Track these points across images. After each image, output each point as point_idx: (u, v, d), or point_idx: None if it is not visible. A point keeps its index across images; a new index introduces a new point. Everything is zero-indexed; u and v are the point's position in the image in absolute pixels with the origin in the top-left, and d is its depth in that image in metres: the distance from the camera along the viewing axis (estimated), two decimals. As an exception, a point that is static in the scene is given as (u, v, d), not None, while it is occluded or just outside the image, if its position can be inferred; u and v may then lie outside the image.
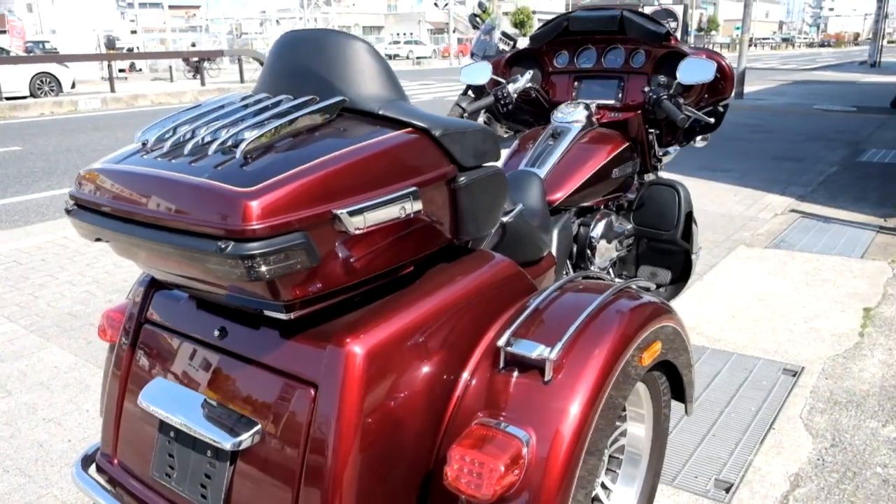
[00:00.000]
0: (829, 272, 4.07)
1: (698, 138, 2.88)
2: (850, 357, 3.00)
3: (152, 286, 1.71)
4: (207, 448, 1.49)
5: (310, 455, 1.35)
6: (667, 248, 2.80)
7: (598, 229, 2.53)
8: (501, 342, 1.44)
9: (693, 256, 2.82)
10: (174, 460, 1.55)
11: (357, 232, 1.30)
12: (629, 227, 2.71)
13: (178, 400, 1.54)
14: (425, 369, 1.44)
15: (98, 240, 1.44)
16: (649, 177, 2.92)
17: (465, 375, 1.48)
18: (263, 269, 1.20)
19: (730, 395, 2.70)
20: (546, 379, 1.39)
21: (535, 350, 1.40)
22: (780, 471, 2.24)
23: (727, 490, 2.16)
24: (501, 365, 1.44)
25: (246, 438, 1.41)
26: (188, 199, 1.24)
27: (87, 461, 1.82)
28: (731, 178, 6.78)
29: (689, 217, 2.76)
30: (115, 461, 1.73)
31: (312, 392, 1.37)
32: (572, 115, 2.65)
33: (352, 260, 1.36)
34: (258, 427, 1.42)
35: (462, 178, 1.54)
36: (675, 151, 2.94)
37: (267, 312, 1.40)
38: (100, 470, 1.75)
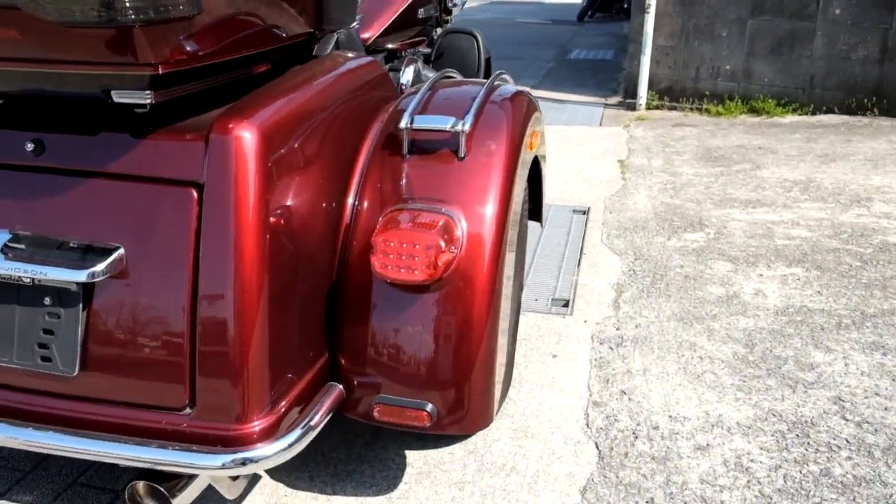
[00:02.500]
0: (580, 138, 4.47)
1: None
2: (622, 196, 3.33)
3: None
4: (44, 295, 1.13)
5: (204, 269, 1.09)
6: None
7: (408, 73, 2.42)
8: (404, 123, 1.29)
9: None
10: None
11: None
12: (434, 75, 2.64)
13: (-17, 244, 1.14)
14: (318, 161, 1.24)
15: None
16: (440, 31, 2.87)
17: (363, 164, 1.31)
18: (128, 4, 0.90)
19: (537, 235, 2.84)
20: (461, 155, 1.28)
21: (448, 122, 1.27)
22: (603, 283, 2.42)
23: (565, 305, 2.28)
24: (406, 149, 1.29)
25: (103, 268, 1.10)
26: None
27: None
28: (469, 75, 7.07)
29: (489, 63, 2.78)
30: None
31: (195, 194, 1.10)
32: (368, -46, 2.46)
33: (226, 25, 1.10)
34: (119, 252, 1.11)
35: None
36: (463, 3, 2.91)
37: (117, 98, 1.07)
38: None
